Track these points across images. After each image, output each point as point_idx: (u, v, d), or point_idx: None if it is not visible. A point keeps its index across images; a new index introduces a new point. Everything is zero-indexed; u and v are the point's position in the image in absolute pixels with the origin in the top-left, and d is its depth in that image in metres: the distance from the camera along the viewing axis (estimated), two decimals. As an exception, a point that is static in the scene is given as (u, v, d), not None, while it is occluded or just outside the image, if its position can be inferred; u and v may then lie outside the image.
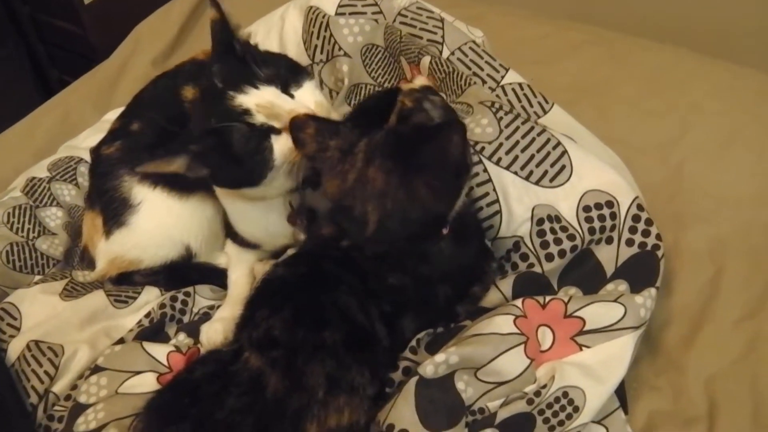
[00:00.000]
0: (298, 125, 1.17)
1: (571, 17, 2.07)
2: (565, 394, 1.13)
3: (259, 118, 1.25)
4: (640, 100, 1.70)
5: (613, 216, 1.26)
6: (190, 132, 1.30)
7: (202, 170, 1.28)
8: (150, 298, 1.53)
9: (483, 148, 1.30)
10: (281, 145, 1.26)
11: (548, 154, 1.30)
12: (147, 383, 1.29)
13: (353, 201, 1.13)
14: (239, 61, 1.29)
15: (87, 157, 1.81)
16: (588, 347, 1.18)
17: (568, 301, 1.20)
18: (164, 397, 1.17)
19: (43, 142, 2.02)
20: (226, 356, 1.15)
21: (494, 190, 1.29)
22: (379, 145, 1.13)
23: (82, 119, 2.05)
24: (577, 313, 1.19)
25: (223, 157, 1.26)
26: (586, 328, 1.18)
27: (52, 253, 1.69)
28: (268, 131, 1.25)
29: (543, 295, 1.22)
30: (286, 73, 1.32)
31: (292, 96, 1.30)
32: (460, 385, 1.11)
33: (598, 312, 1.18)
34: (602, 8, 2.32)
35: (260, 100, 1.25)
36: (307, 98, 1.32)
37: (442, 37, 1.63)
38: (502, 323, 1.16)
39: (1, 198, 1.76)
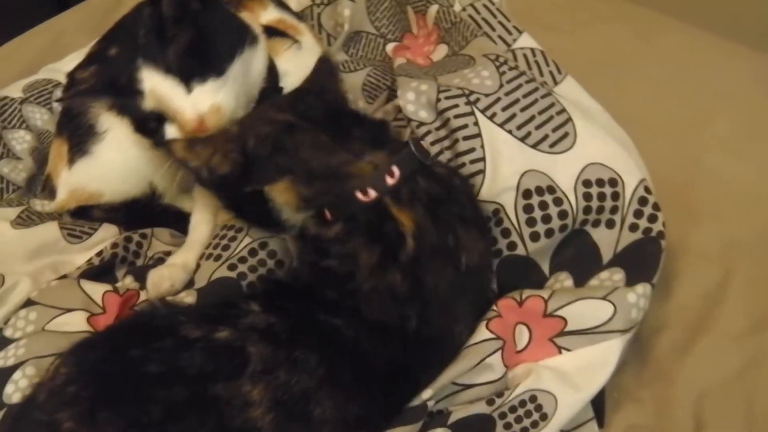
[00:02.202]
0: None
1: None
2: (533, 398, 1.00)
3: (149, 104, 1.20)
4: (663, 80, 1.60)
5: (615, 196, 1.14)
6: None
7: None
8: (107, 236, 1.42)
9: (478, 99, 1.18)
10: (169, 133, 1.22)
11: (551, 118, 1.18)
12: (76, 322, 1.18)
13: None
14: (169, 22, 1.20)
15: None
16: (568, 350, 1.05)
17: (549, 297, 1.08)
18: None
19: (28, 64, 1.91)
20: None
21: (482, 146, 1.16)
22: None
23: (73, 45, 1.94)
24: (558, 312, 1.07)
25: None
26: (568, 328, 1.06)
27: (13, 178, 1.59)
28: (161, 116, 1.21)
29: (520, 291, 1.11)
30: (197, 58, 1.20)
31: (190, 90, 1.19)
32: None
33: (583, 311, 1.06)
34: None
35: (155, 88, 1.19)
36: (204, 100, 1.19)
37: (455, -11, 1.52)
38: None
39: (-33, 114, 1.66)
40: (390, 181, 1.03)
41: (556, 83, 1.35)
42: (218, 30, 1.24)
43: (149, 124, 1.22)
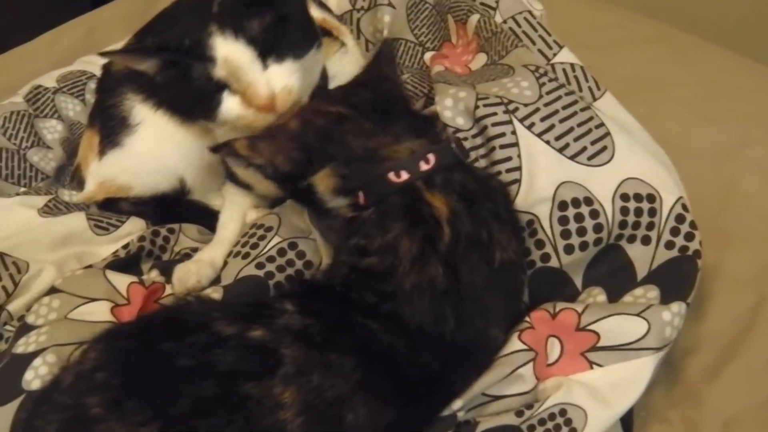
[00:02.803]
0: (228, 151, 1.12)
1: (636, 9, 1.97)
2: (563, 412, 0.98)
3: (220, 72, 1.17)
4: (698, 103, 1.59)
5: (652, 212, 1.12)
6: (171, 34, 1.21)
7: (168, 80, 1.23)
8: (134, 229, 1.41)
9: (516, 108, 1.16)
10: (229, 106, 1.20)
11: (589, 131, 1.15)
12: (99, 312, 1.16)
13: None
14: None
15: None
16: (599, 365, 1.03)
17: (583, 311, 1.06)
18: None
19: (64, 56, 1.92)
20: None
21: (519, 156, 1.14)
22: None
23: (109, 38, 1.93)
24: (591, 327, 1.04)
25: (180, 82, 1.20)
26: (600, 344, 1.04)
27: (42, 167, 1.59)
28: (222, 87, 1.18)
29: (554, 303, 1.09)
30: (277, 38, 1.19)
31: (266, 66, 1.18)
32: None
33: (617, 327, 1.04)
34: (667, 3, 2.23)
35: (230, 56, 1.16)
36: (278, 79, 1.19)
37: (497, 1, 1.50)
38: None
39: (1, 101, 1.66)
40: (424, 166, 1.02)
41: (594, 99, 1.33)
42: (297, 17, 1.23)
43: (205, 97, 1.19)
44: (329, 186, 1.07)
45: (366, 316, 0.96)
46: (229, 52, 1.15)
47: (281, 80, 1.18)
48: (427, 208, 1.00)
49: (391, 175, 1.02)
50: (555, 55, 1.39)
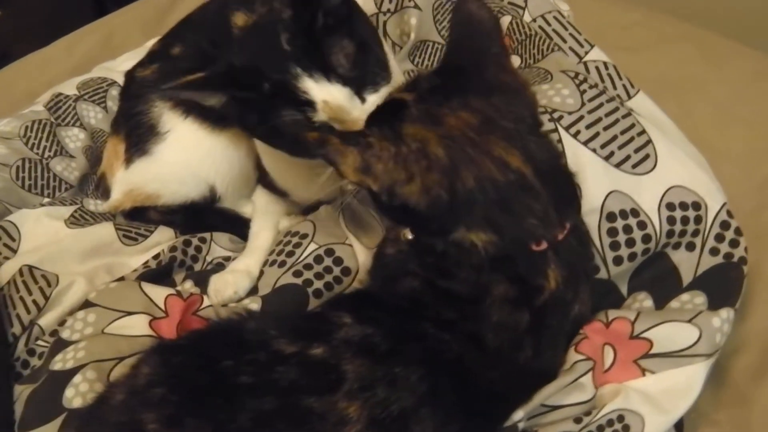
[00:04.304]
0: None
1: (662, 9, 1.93)
2: (621, 418, 0.97)
3: (321, 117, 1.09)
4: (729, 104, 1.56)
5: (698, 220, 1.11)
6: (235, 69, 1.13)
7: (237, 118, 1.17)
8: (162, 239, 1.40)
9: (561, 117, 1.15)
10: None
11: (632, 138, 1.14)
12: (137, 326, 1.15)
13: (443, 178, 0.90)
14: (322, 31, 1.11)
15: (121, 80, 1.66)
16: (652, 372, 1.02)
17: (635, 319, 1.05)
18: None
19: (81, 62, 1.92)
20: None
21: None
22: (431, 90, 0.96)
23: (126, 44, 1.95)
24: (645, 334, 1.03)
25: (266, 124, 1.12)
26: (653, 351, 1.02)
27: (66, 177, 1.58)
28: (324, 128, 1.10)
29: (606, 312, 1.08)
30: (367, 71, 1.13)
31: (363, 100, 1.12)
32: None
33: (669, 334, 1.02)
34: (693, 3, 2.19)
35: (330, 98, 1.08)
36: None
37: (525, 1, 1.49)
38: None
39: (23, 110, 1.64)
40: (560, 236, 0.95)
41: (629, 97, 1.32)
42: (370, 36, 1.19)
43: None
44: (478, 243, 0.92)
45: (440, 329, 0.93)
46: (327, 95, 1.08)
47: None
48: (540, 281, 0.95)
49: (533, 245, 0.93)
50: (587, 53, 1.38)
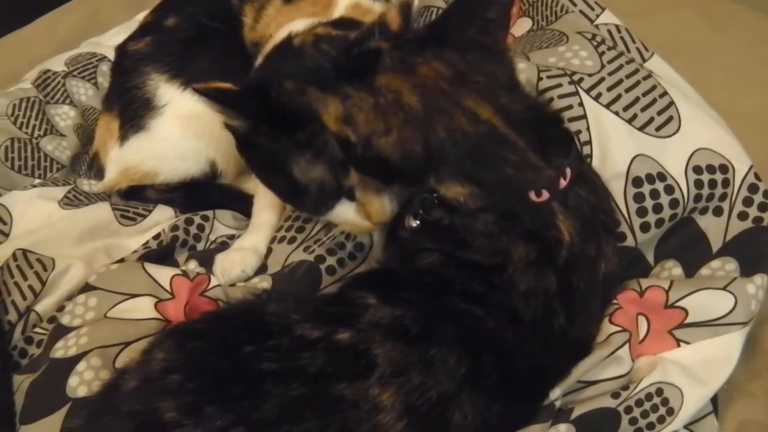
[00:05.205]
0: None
1: None
2: (659, 392, 0.94)
3: (352, 181, 0.99)
4: (740, 67, 1.54)
5: (726, 183, 1.07)
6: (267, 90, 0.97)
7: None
8: (162, 218, 1.36)
9: (581, 79, 1.10)
10: (345, 210, 1.03)
11: (654, 100, 1.10)
12: (142, 309, 1.10)
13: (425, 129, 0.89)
14: None
15: (112, 55, 1.62)
16: (687, 343, 1.00)
17: (670, 287, 1.02)
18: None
19: (66, 38, 1.87)
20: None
21: (588, 129, 1.08)
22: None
23: (112, 18, 1.90)
24: (679, 303, 1.01)
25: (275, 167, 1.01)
26: (688, 320, 1.00)
27: (57, 156, 1.53)
28: (344, 194, 1.02)
29: (638, 281, 1.05)
30: None
31: None
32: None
33: (705, 302, 1.00)
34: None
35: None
36: (394, 196, 1.05)
37: (534, -37, 1.44)
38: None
39: (8, 88, 1.58)
40: (562, 183, 0.92)
41: (644, 60, 1.27)
42: None
43: (320, 194, 1.00)
44: (456, 197, 0.92)
45: (470, 303, 0.89)
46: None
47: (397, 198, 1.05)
48: (553, 233, 0.92)
49: (532, 195, 0.91)
50: (598, 16, 1.33)
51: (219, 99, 0.94)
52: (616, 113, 1.08)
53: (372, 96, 0.89)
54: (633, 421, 0.93)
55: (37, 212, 1.33)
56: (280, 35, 1.24)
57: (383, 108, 0.89)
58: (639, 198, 1.06)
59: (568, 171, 0.93)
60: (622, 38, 1.29)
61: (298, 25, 1.25)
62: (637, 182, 1.06)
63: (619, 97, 1.09)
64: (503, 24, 1.06)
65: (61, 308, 1.17)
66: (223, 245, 1.28)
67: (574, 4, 1.34)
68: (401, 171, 0.92)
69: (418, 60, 0.92)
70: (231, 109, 0.96)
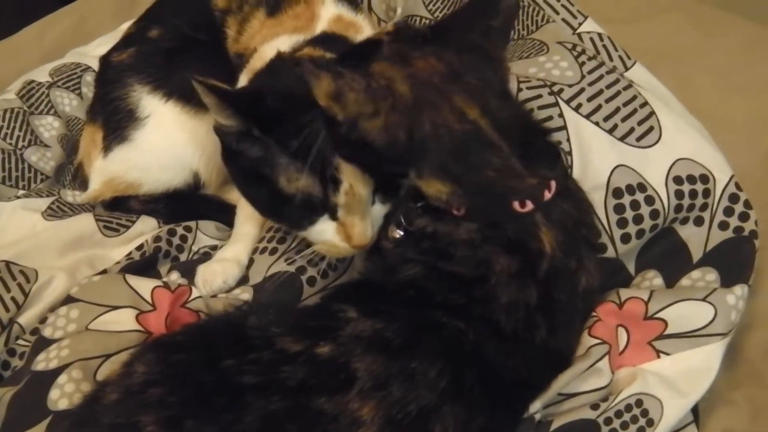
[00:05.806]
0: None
1: None
2: (639, 403, 0.94)
3: (339, 199, 1.02)
4: (727, 73, 1.53)
5: (707, 193, 1.08)
6: (263, 98, 1.02)
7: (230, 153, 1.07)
8: (145, 229, 1.35)
9: (561, 90, 1.11)
10: (323, 229, 1.06)
11: (635, 110, 1.10)
12: (123, 321, 1.09)
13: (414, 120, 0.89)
14: None
15: (96, 66, 1.61)
16: (667, 354, 0.99)
17: (649, 299, 1.02)
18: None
19: (52, 48, 1.86)
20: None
21: (568, 139, 1.09)
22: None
23: (98, 28, 1.89)
24: (659, 314, 1.01)
25: (260, 176, 1.03)
26: (668, 331, 1.00)
27: (41, 167, 1.52)
28: (327, 211, 1.04)
29: (617, 292, 1.05)
30: None
31: (373, 203, 1.08)
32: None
33: (685, 313, 1.00)
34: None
35: (357, 187, 1.02)
36: (376, 219, 1.09)
37: (516, -28, 1.43)
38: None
39: (-6, 99, 1.58)
40: (547, 195, 0.92)
41: (626, 68, 1.28)
42: None
43: (301, 209, 1.03)
44: (437, 195, 0.92)
45: (452, 317, 0.89)
46: (357, 182, 1.02)
47: (376, 221, 1.08)
48: (535, 244, 0.91)
49: (516, 205, 0.90)
50: (580, 24, 1.34)
51: (218, 93, 0.96)
52: (597, 124, 1.09)
53: (365, 79, 0.89)
54: (612, 432, 0.94)
55: (21, 223, 1.32)
56: (266, 52, 1.23)
57: (374, 91, 0.89)
58: (619, 209, 1.07)
59: (553, 184, 0.93)
60: (604, 46, 1.30)
61: (283, 43, 1.24)
62: (618, 193, 1.07)
63: (599, 107, 1.10)
64: (506, 33, 1.07)
65: (44, 320, 1.16)
66: (206, 256, 1.29)
67: (557, 12, 1.34)
68: (383, 157, 0.92)
69: (415, 54, 0.93)
70: (228, 105, 0.98)
